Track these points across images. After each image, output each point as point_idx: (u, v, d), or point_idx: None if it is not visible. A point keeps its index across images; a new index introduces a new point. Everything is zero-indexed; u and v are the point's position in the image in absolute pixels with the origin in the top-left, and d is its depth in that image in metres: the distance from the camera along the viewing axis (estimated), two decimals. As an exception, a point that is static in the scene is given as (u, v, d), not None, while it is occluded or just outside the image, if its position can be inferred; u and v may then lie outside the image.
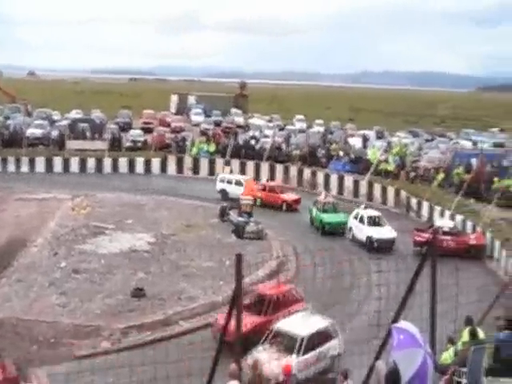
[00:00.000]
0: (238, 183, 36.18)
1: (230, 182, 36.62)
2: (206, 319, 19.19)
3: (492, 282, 20.01)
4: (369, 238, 27.31)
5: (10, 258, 24.14)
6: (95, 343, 17.43)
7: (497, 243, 25.61)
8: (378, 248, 26.81)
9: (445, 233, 26.48)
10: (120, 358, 14.74)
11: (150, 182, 40.79)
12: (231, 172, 40.26)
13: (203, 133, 54.70)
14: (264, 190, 35.55)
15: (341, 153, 43.97)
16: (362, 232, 27.93)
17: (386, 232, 27.52)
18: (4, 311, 19.26)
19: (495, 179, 32.68)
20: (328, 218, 29.89)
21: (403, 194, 35.46)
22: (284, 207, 34.72)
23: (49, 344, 17.18)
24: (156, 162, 43.71)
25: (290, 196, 35.64)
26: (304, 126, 65.13)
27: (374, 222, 28.24)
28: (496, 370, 11.53)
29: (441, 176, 36.35)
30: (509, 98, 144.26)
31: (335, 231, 29.49)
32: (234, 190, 35.53)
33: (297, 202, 35.22)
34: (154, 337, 17.97)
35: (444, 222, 28.18)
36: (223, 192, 36.42)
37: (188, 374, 11.04)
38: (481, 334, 12.12)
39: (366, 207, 29.60)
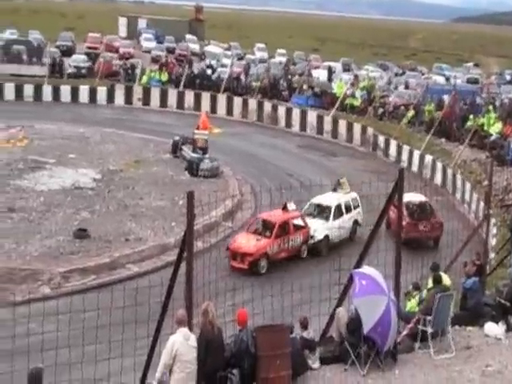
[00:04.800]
0: None
1: None
2: (156, 263, 19.10)
3: (462, 226, 20.33)
4: None
5: None
6: (33, 288, 17.11)
7: (468, 186, 25.92)
8: None
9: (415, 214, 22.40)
10: (60, 304, 14.50)
11: (96, 112, 39.78)
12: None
13: (155, 60, 53.71)
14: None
15: (304, 85, 43.57)
16: None
17: None
18: None
19: (469, 117, 32.87)
20: None
21: (370, 131, 35.52)
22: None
23: (-21, 290, 16.80)
24: (102, 91, 42.55)
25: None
26: (265, 55, 64.38)
27: None
28: (463, 319, 11.75)
29: (411, 113, 36.43)
30: (485, 30, 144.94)
31: None
32: None
33: None
34: (98, 281, 17.78)
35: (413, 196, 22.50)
36: None
37: (135, 321, 10.90)
38: (447, 281, 12.26)
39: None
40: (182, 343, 8.66)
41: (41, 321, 13.11)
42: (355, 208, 22.78)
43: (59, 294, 16.65)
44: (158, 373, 8.73)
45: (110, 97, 42.57)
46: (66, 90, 42.23)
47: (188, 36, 71.93)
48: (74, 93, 42.28)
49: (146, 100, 42.62)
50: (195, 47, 65.43)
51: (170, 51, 59.56)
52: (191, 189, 10.11)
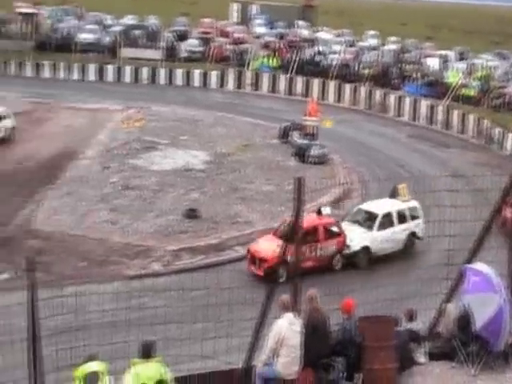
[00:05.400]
0: None
1: None
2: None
3: None
4: None
5: (59, 170, 24.62)
6: (145, 264, 17.74)
7: None
8: None
9: None
10: (170, 281, 14.95)
11: (207, 96, 40.57)
12: None
13: (266, 46, 53.75)
14: None
15: (415, 74, 42.46)
16: None
17: None
18: (52, 225, 19.75)
19: None
20: None
21: (485, 123, 34.13)
22: None
23: (97, 262, 17.58)
24: (214, 75, 43.37)
25: None
26: (376, 42, 63.03)
27: None
28: None
29: (530, 105, 34.71)
30: None
31: None
32: None
33: None
34: (206, 261, 18.12)
35: None
36: None
37: (240, 303, 11.04)
38: None
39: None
40: (287, 328, 8.68)
41: (151, 296, 13.62)
42: (413, 219, 19.83)
43: (169, 272, 17.15)
44: (264, 355, 8.79)
45: (222, 81, 43.27)
46: (179, 74, 43.37)
47: (299, 22, 71.62)
48: (187, 76, 43.35)
49: (256, 85, 42.96)
50: (306, 33, 65.00)
51: (281, 37, 59.52)
52: (299, 175, 10.07)
